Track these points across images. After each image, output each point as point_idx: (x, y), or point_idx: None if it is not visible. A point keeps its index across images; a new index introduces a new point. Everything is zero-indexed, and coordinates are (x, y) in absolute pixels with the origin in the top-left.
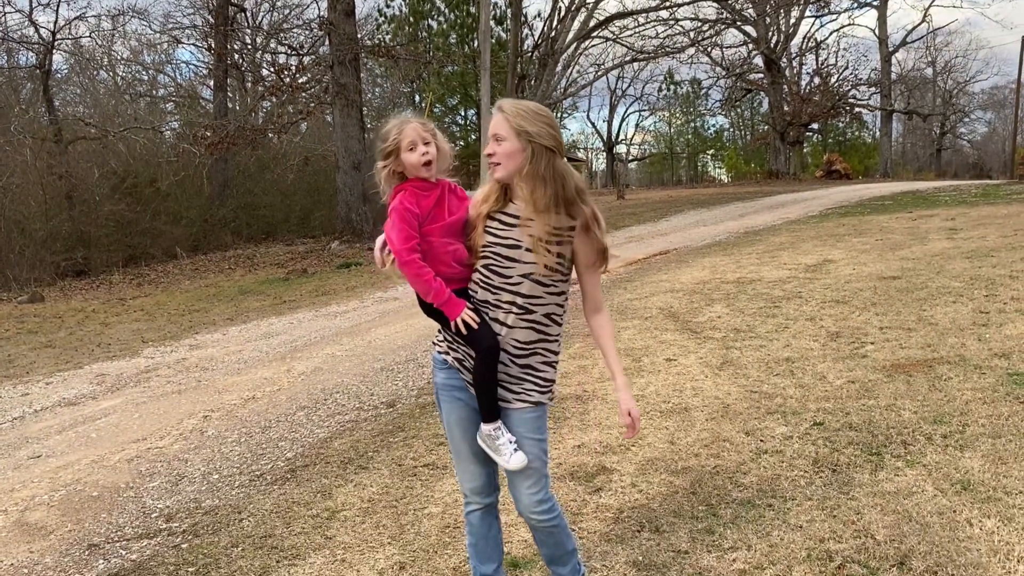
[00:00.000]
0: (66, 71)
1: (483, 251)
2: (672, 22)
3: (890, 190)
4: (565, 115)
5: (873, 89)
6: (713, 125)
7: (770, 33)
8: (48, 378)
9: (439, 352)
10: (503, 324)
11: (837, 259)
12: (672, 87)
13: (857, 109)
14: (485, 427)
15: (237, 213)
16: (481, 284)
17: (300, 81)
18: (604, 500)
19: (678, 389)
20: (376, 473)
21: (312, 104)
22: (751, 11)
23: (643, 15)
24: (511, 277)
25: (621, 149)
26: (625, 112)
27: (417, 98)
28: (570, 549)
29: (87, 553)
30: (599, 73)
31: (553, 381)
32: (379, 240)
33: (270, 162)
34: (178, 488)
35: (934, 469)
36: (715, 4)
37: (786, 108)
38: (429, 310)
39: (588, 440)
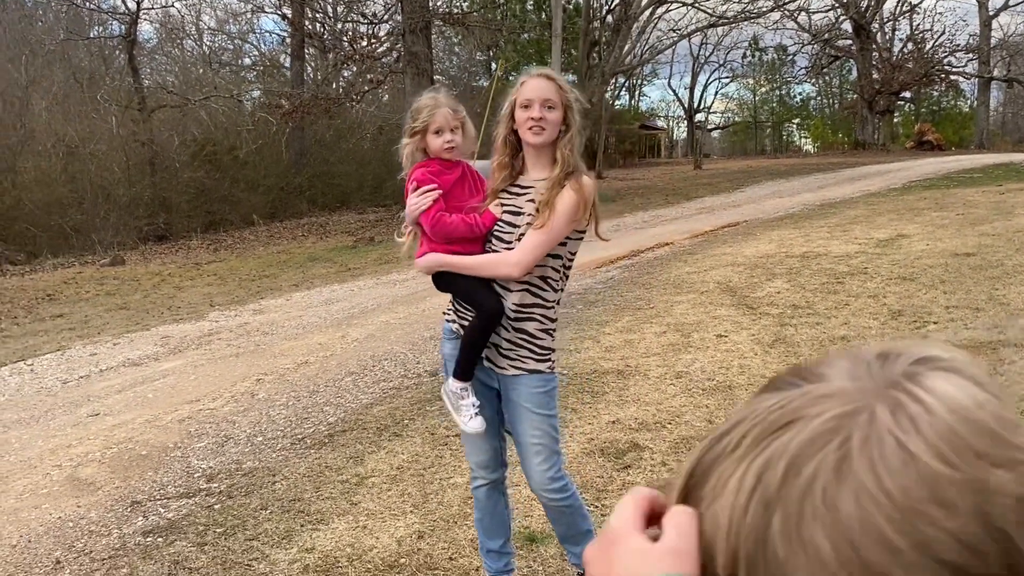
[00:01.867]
0: (155, 41)
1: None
2: None
3: (983, 162)
4: (644, 82)
5: (971, 55)
6: (799, 93)
7: None
8: (116, 339)
9: (448, 321)
10: (501, 287)
11: (911, 234)
12: (756, 53)
13: (953, 77)
14: (453, 383)
15: (313, 181)
16: (488, 252)
17: (373, 50)
18: (631, 478)
19: (724, 366)
20: (409, 441)
21: (384, 73)
22: None
23: None
24: (511, 242)
25: (702, 117)
26: (707, 79)
27: (493, 66)
28: (585, 530)
29: (129, 510)
30: (677, 39)
31: (551, 350)
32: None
33: (346, 131)
34: (223, 449)
35: None
36: None
37: (876, 76)
38: (444, 284)
39: (624, 416)
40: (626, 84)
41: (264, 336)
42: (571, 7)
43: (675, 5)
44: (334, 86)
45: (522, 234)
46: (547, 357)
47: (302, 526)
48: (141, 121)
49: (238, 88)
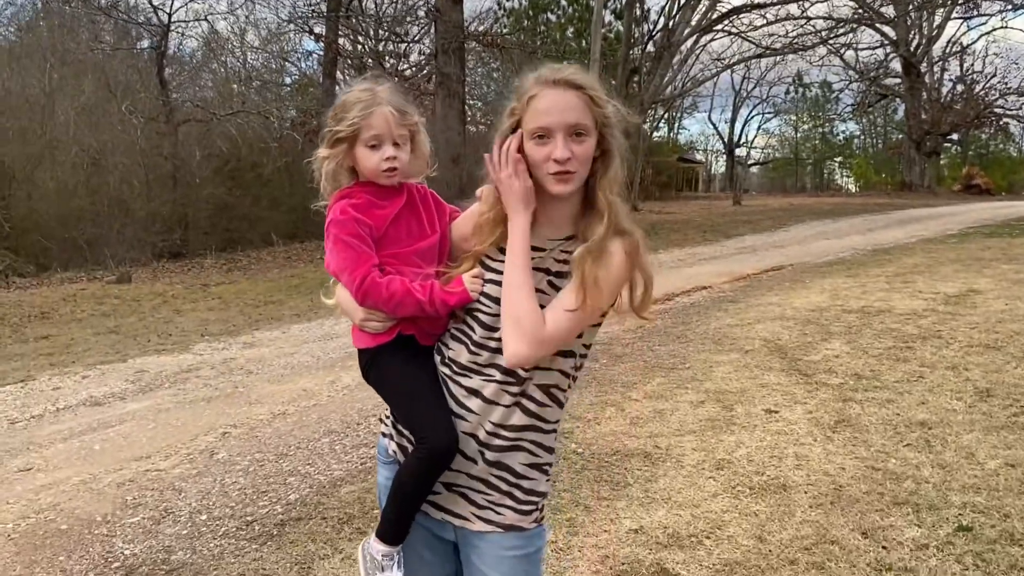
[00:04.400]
0: (199, 55)
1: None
2: (803, 20)
3: None
4: (684, 114)
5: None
6: (842, 131)
7: (911, 35)
8: (88, 370)
9: (384, 435)
10: (478, 398)
11: (984, 290)
12: (800, 89)
13: (1005, 119)
14: (376, 545)
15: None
16: (457, 338)
17: (404, 70)
18: None
19: (777, 455)
20: None
21: (415, 95)
22: (890, 10)
23: (771, 9)
24: (500, 328)
25: (742, 152)
26: (749, 114)
27: None
28: None
29: None
30: (719, 70)
31: (543, 496)
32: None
33: None
34: (157, 529)
35: None
36: (851, 1)
37: (924, 116)
38: (375, 376)
39: (650, 523)
40: (665, 116)
41: (247, 376)
42: (612, 35)
43: (720, 34)
44: None
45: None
46: (534, 506)
47: None
48: (167, 135)
49: (273, 106)
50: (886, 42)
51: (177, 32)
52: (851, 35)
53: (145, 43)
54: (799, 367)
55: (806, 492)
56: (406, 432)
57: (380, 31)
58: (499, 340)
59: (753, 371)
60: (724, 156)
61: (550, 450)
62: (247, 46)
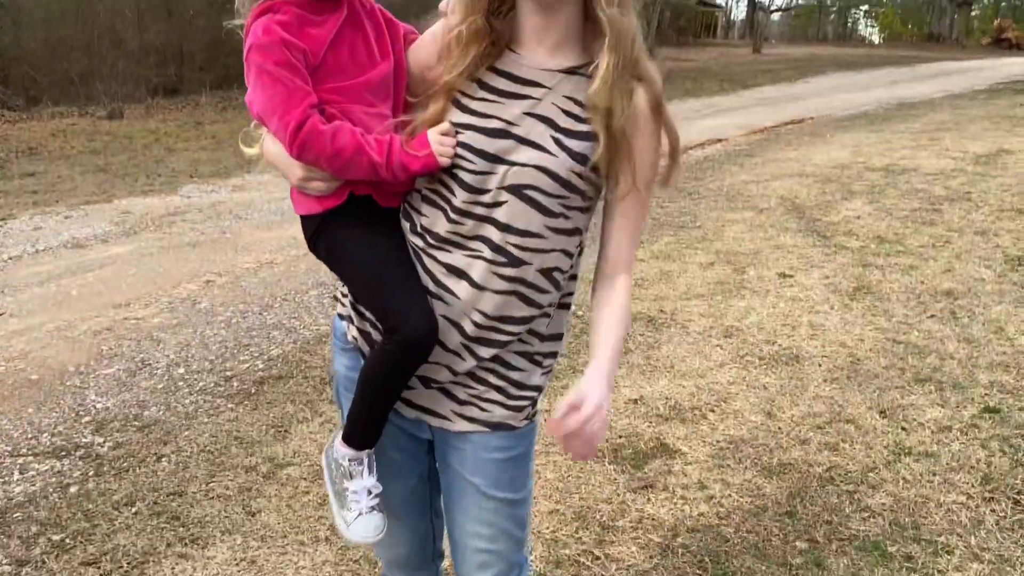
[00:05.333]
0: None
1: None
2: None
3: None
4: None
5: None
6: None
7: None
8: (72, 210)
9: (340, 316)
10: (463, 279)
11: (1015, 150)
12: None
13: None
14: (341, 448)
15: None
16: (431, 202)
17: None
18: (651, 510)
19: (790, 323)
20: None
21: None
22: None
23: None
24: (489, 191)
25: None
26: None
27: None
28: None
29: None
30: None
31: (538, 391)
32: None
33: None
34: (132, 382)
35: None
36: None
37: None
38: (325, 248)
39: (651, 392)
40: None
41: (235, 221)
42: None
43: None
44: None
45: (521, 184)
46: (529, 403)
47: (168, 546)
48: None
49: None
50: None
51: None
52: None
53: None
54: (817, 228)
55: (820, 365)
56: (369, 315)
57: None
58: (488, 205)
59: (768, 231)
60: (744, 1)
61: (554, 337)
62: None
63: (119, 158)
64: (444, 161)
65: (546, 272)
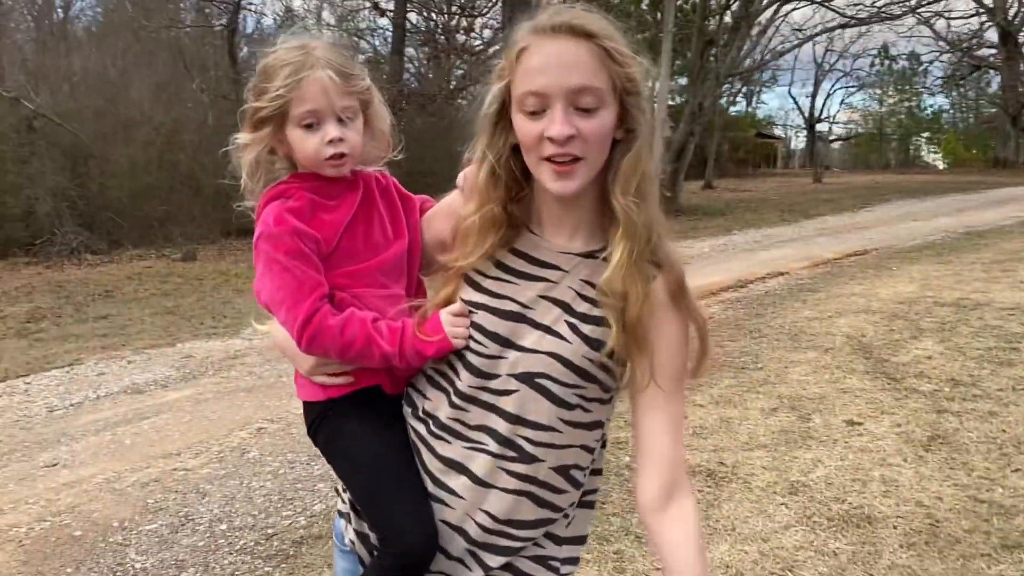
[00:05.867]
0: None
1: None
2: None
3: None
4: (763, 88)
5: None
6: (930, 105)
7: (1008, 2)
8: (136, 354)
9: (340, 511)
10: (463, 474)
11: None
12: (886, 61)
13: None
14: None
15: (406, 180)
16: (436, 384)
17: (470, 43)
18: None
19: (860, 478)
20: None
21: (482, 70)
22: None
23: None
24: (497, 377)
25: (823, 127)
26: (831, 88)
27: None
28: None
29: None
30: (801, 41)
31: None
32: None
33: (444, 130)
34: (174, 539)
35: None
36: None
37: (1021, 88)
38: (329, 442)
39: (711, 560)
40: (743, 89)
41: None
42: (687, 5)
43: (801, 4)
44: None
45: (534, 373)
46: None
47: None
48: (236, 112)
49: None
50: (981, 10)
51: (249, 11)
52: (942, 3)
53: (223, 21)
54: (886, 370)
55: (895, 527)
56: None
57: (450, 5)
58: (496, 392)
59: (834, 373)
60: (804, 131)
61: (574, 540)
62: (322, 24)
63: (188, 300)
64: (458, 343)
65: (562, 470)
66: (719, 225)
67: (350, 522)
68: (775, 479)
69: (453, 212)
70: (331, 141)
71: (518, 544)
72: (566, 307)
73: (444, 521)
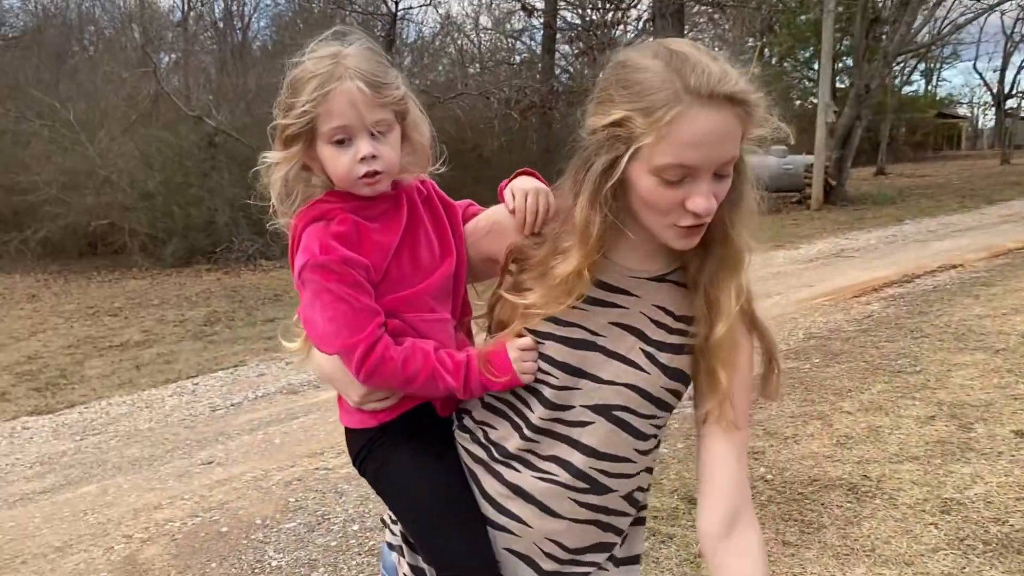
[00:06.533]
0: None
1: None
2: None
3: None
4: (944, 64)
5: None
6: None
7: None
8: (294, 356)
9: (391, 544)
10: (531, 503)
11: None
12: None
13: None
14: None
15: (555, 179)
16: (501, 414)
17: (617, 36)
18: None
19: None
20: None
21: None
22: None
23: None
24: (571, 408)
25: (1014, 104)
26: (1023, 61)
27: (767, 54)
28: None
29: None
30: (984, 10)
31: None
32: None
33: None
34: (310, 537)
35: None
36: None
37: None
38: (380, 476)
39: None
40: (920, 67)
41: None
42: None
43: None
44: (587, 79)
45: (610, 405)
46: None
47: None
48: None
49: (492, 86)
50: None
51: (407, 21)
52: None
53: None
54: None
55: None
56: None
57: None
58: (570, 424)
59: (1004, 377)
60: (992, 109)
61: (630, 561)
62: (480, 28)
63: None
64: (527, 379)
65: (629, 495)
66: (889, 214)
67: (403, 555)
68: (925, 496)
69: (504, 231)
70: (363, 159)
71: (585, 569)
72: (640, 334)
73: (509, 549)
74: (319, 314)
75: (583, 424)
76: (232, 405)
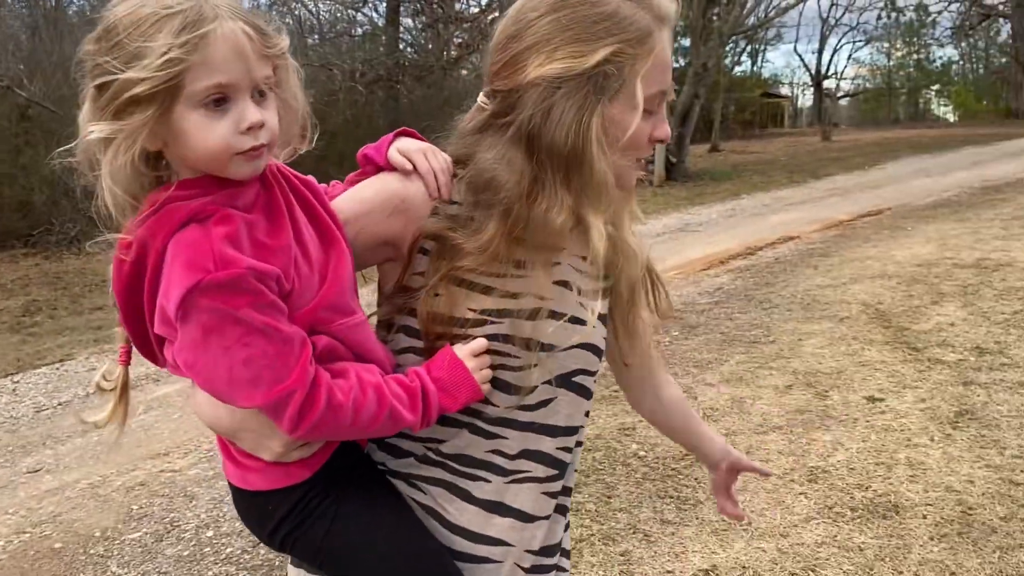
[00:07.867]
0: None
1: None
2: None
3: None
4: (768, 46)
5: None
6: (939, 57)
7: None
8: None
9: None
10: (509, 515)
11: None
12: (893, 14)
13: None
14: None
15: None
16: (451, 422)
17: (464, 11)
18: None
19: (884, 462)
20: None
21: (478, 38)
22: None
23: None
24: (532, 388)
25: (831, 84)
26: (838, 43)
27: None
28: None
29: None
30: None
31: None
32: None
33: (445, 102)
34: (158, 548)
35: None
36: None
37: None
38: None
39: (725, 560)
40: (747, 48)
41: None
42: None
43: None
44: (442, 53)
45: (575, 370)
46: None
47: None
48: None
49: (334, 58)
50: None
51: None
52: None
53: None
54: (906, 339)
55: (925, 516)
56: None
57: None
58: (533, 408)
59: (850, 344)
60: (811, 89)
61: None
62: None
63: None
64: (487, 389)
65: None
66: (727, 189)
67: None
68: (792, 465)
69: (412, 206)
70: (250, 128)
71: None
72: (572, 287)
73: None
74: (224, 358)
75: (546, 403)
76: (60, 404)
